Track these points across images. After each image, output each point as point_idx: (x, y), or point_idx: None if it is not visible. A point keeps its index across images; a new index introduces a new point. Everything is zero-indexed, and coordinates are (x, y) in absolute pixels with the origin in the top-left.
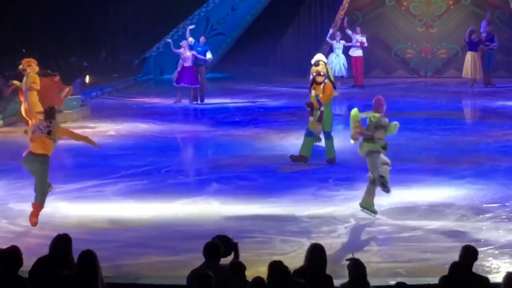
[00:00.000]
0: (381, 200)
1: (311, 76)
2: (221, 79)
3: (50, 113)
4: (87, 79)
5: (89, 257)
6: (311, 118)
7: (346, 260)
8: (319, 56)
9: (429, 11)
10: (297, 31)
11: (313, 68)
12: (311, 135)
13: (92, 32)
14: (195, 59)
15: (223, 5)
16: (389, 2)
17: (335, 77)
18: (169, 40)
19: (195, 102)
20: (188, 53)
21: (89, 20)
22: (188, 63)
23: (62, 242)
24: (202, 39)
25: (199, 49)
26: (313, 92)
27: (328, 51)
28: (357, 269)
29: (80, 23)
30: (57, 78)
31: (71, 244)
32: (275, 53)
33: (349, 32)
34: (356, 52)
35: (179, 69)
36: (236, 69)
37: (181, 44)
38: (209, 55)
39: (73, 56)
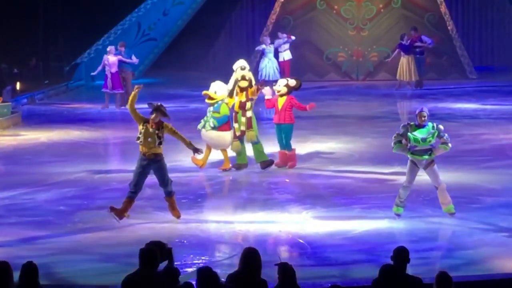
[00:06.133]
0: (315, 204)
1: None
2: (153, 84)
3: None
4: (17, 86)
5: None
6: (235, 125)
7: (275, 265)
8: (242, 62)
9: (360, 14)
10: (229, 35)
11: (240, 73)
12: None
13: (22, 39)
14: (120, 64)
15: (155, 10)
16: (320, 5)
17: (269, 81)
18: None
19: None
20: (112, 59)
21: (18, 26)
22: (114, 69)
23: None
24: (121, 46)
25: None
26: (237, 98)
27: (261, 55)
28: (285, 273)
29: (9, 29)
30: None
31: None
32: (207, 58)
33: (274, 46)
34: (286, 55)
35: (108, 75)
36: (168, 74)
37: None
38: (134, 58)
39: (2, 63)
